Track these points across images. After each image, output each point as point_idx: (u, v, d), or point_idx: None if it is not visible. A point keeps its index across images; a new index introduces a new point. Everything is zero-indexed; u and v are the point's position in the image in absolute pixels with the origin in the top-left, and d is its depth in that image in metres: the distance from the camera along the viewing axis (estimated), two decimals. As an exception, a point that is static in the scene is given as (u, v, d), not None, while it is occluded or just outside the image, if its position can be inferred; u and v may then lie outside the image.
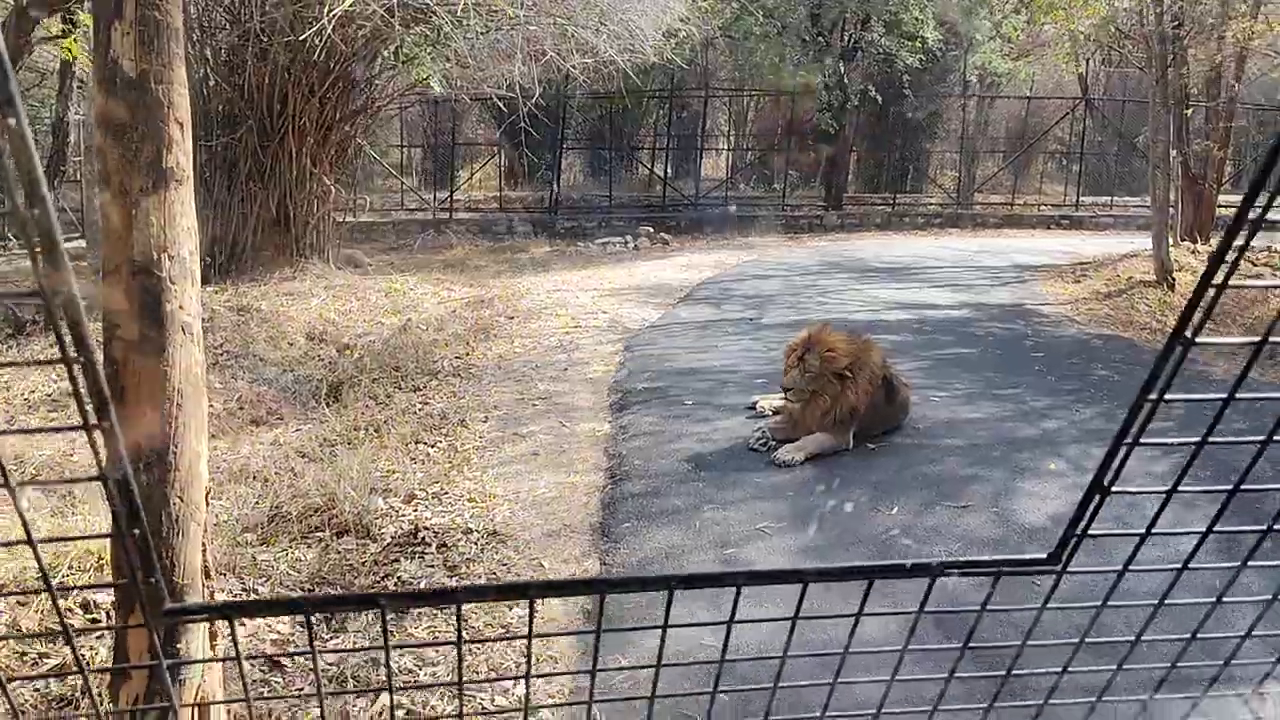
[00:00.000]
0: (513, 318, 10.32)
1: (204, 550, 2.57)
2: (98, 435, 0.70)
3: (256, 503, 5.27)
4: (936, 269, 14.55)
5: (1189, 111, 15.10)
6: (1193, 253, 14.16)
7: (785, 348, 6.24)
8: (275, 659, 3.59)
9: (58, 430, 0.80)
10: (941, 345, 9.18)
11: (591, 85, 16.36)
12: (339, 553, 4.52)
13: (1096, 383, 7.85)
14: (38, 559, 0.79)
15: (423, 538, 4.64)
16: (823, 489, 5.41)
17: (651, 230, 17.84)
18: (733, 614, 1.00)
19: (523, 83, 11.64)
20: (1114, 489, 0.89)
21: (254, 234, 11.76)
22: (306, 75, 11.34)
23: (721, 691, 1.10)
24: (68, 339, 0.65)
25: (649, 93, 20.59)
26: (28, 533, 0.77)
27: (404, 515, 4.97)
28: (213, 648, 2.69)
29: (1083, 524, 0.92)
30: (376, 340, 8.99)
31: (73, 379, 0.67)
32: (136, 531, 0.76)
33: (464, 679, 0.99)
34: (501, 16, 11.01)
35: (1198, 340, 0.79)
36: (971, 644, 1.09)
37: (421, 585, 4.21)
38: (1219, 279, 0.76)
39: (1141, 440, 0.85)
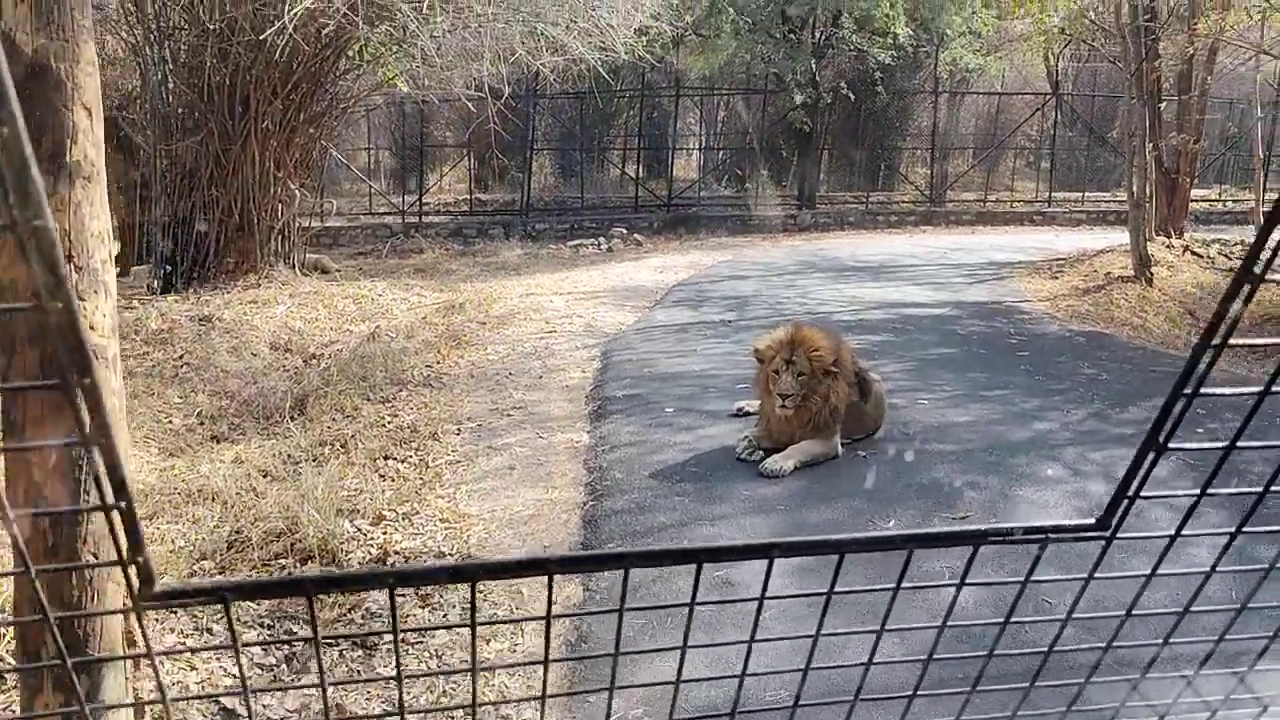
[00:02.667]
0: (485, 323, 10.03)
1: (126, 610, 2.27)
2: (77, 395, 0.65)
3: (215, 526, 4.99)
4: (913, 267, 14.38)
5: (1162, 105, 15.02)
6: (1168, 247, 14.05)
7: (756, 349, 5.90)
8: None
9: (34, 388, 0.80)
10: (925, 345, 8.98)
11: (562, 85, 16.10)
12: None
13: (1085, 382, 7.68)
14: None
15: (392, 564, 4.37)
16: (814, 501, 5.18)
17: (625, 232, 17.59)
18: (764, 590, 0.95)
19: (491, 82, 11.36)
20: (1170, 446, 0.84)
21: (217, 241, 11.40)
22: (268, 76, 10.99)
23: (750, 675, 1.05)
24: (42, 284, 0.61)
25: (620, 92, 20.34)
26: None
27: (372, 539, 4.70)
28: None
29: (1135, 485, 0.87)
30: (344, 349, 8.69)
31: (47, 331, 0.62)
32: (123, 504, 0.71)
33: (477, 665, 0.91)
34: (469, 14, 10.73)
35: (1231, 343, 0.76)
36: (1014, 619, 1.04)
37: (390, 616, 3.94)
38: (1219, 338, 0.76)
39: (1202, 391, 0.80)
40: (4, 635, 3.38)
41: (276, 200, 11.78)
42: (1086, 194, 21.98)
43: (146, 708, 2.74)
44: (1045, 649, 1.10)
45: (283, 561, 4.50)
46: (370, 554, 4.50)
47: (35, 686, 2.25)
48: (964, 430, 6.37)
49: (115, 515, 0.71)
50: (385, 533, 4.78)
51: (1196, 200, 17.16)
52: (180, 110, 11.28)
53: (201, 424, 6.81)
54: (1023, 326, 10.02)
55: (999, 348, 8.95)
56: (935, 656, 1.07)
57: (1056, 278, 13.26)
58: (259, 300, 10.18)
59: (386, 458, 5.93)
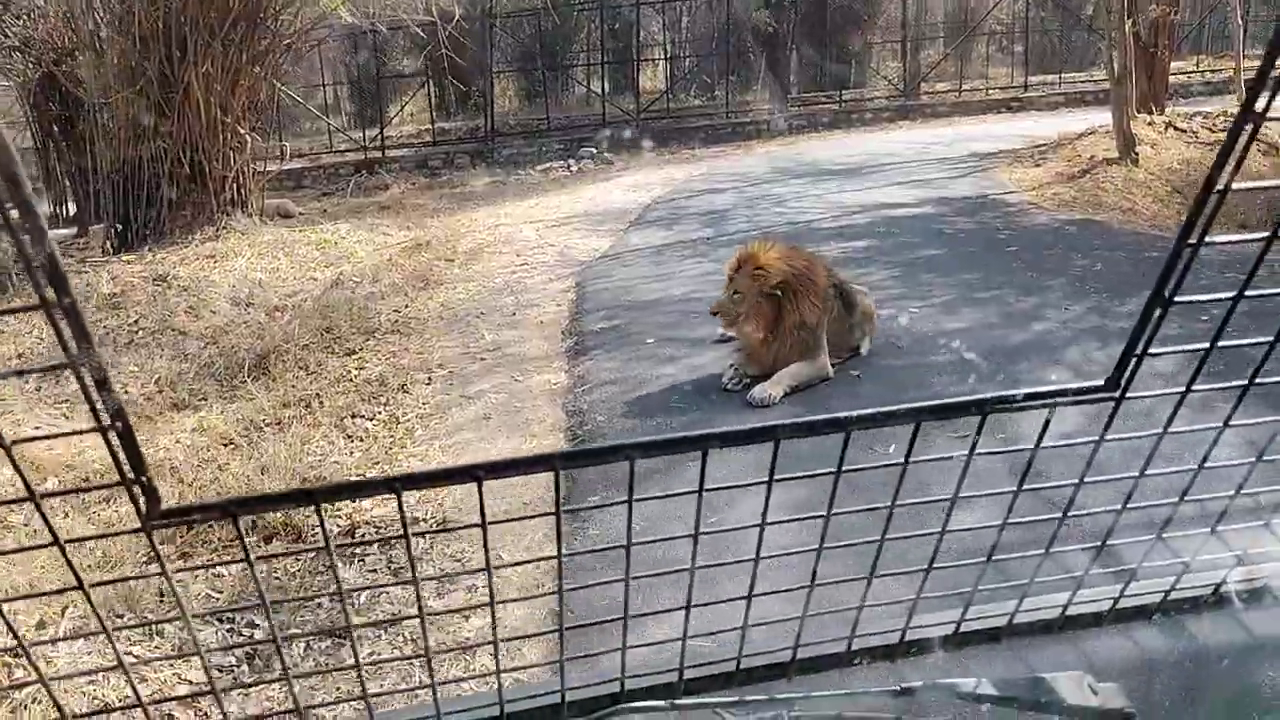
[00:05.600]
0: (453, 260, 9.64)
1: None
2: (58, 315, 0.62)
3: (176, 502, 4.68)
4: (892, 165, 13.93)
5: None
6: (1150, 125, 13.63)
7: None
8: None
9: (16, 311, 0.68)
10: (911, 249, 8.63)
11: (516, 3, 15.46)
12: (266, 560, 3.94)
13: (1079, 274, 7.37)
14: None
15: (362, 535, 4.07)
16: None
17: (594, 151, 17.07)
18: (771, 474, 0.95)
19: (440, 3, 10.81)
20: (1177, 300, 0.81)
21: (168, 195, 10.91)
22: (204, 17, 10.41)
23: (765, 558, 1.03)
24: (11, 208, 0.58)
25: (577, 4, 19.63)
26: None
27: (339, 508, 4.38)
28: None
29: (1143, 343, 0.85)
30: (308, 300, 8.30)
31: (23, 252, 0.59)
32: (120, 424, 0.68)
33: (491, 564, 0.92)
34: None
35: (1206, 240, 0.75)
36: (1027, 486, 1.02)
37: (362, 596, 3.65)
38: (1223, 183, 0.72)
39: (1207, 240, 0.76)
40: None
41: (227, 147, 11.27)
42: (1062, 75, 21.45)
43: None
44: (1059, 515, 1.08)
45: (248, 539, 4.20)
46: (339, 525, 4.20)
47: None
48: (959, 338, 6.06)
49: (113, 436, 0.69)
50: (354, 500, 4.47)
51: (1174, 74, 16.67)
52: (115, 60, 10.71)
53: (160, 391, 6.47)
54: (1010, 220, 9.67)
55: (988, 244, 8.61)
56: (948, 529, 1.06)
57: (1039, 165, 12.87)
58: (217, 254, 9.76)
59: (354, 416, 5.61)
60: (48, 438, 0.91)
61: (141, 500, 0.74)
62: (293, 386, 6.12)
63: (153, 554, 0.82)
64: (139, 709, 0.95)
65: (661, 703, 1.13)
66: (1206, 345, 0.89)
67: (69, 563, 0.79)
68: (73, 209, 12.94)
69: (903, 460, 0.98)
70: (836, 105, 19.95)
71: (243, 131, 11.45)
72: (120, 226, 10.79)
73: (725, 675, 1.16)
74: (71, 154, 11.55)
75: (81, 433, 0.71)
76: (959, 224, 9.58)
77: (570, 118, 19.75)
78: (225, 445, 5.31)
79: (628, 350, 6.30)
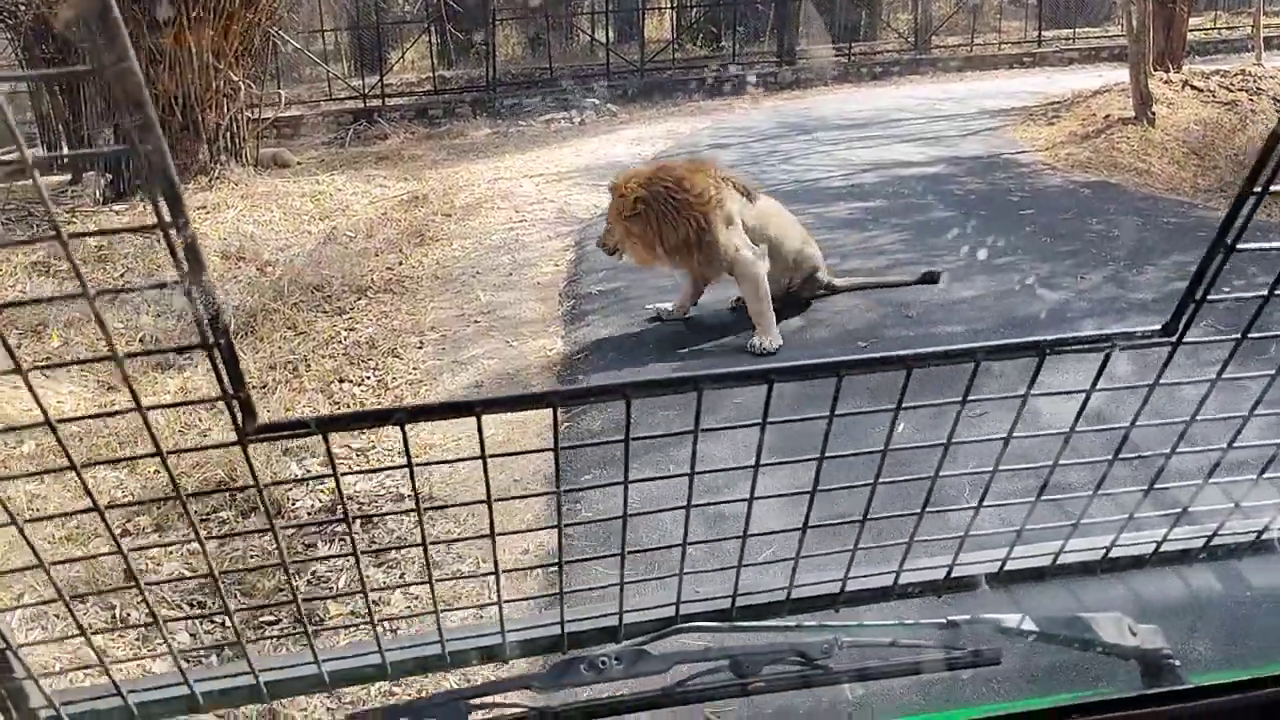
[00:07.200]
0: (450, 215, 9.38)
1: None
2: (173, 234, 0.65)
3: (155, 471, 4.52)
4: (902, 122, 13.61)
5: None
6: (1167, 83, 13.26)
7: None
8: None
9: (128, 230, 0.75)
10: (922, 210, 8.38)
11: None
12: (242, 538, 3.76)
13: (1095, 240, 7.13)
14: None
15: (342, 510, 3.89)
16: (820, 407, 4.67)
17: (597, 103, 16.70)
18: (765, 416, 0.98)
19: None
20: (1240, 247, 0.80)
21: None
22: (195, -43, 10.10)
23: (759, 498, 1.08)
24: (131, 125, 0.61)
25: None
26: (111, 346, 0.75)
27: (322, 482, 4.19)
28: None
29: (1202, 289, 0.84)
30: (299, 254, 8.07)
31: (145, 168, 0.62)
32: (222, 342, 0.73)
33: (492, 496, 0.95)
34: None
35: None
36: (1079, 428, 1.03)
37: (341, 579, 3.47)
38: None
39: (1272, 188, 0.75)
40: None
41: (220, 95, 10.99)
42: (1077, 31, 20.99)
43: None
44: (1110, 457, 1.08)
45: (222, 515, 4.02)
46: (320, 501, 4.01)
47: None
48: (971, 307, 5.84)
49: (216, 353, 0.73)
50: (351, 468, 4.28)
51: (1191, 30, 16.27)
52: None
53: (146, 351, 6.27)
54: (1023, 181, 9.40)
55: (1000, 207, 8.35)
56: (1000, 468, 1.06)
57: (1053, 124, 12.55)
58: (209, 205, 9.52)
59: (341, 380, 5.41)
60: (157, 352, 0.95)
61: (239, 415, 0.79)
62: (280, 347, 5.91)
63: (249, 467, 0.87)
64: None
65: (719, 624, 1.15)
66: (1264, 293, 0.88)
67: (170, 474, 0.85)
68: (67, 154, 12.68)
69: (960, 400, 1.00)
70: (846, 58, 19.52)
71: (236, 78, 11.15)
72: (111, 176, 10.53)
73: (775, 604, 1.17)
74: (64, 99, 11.26)
75: (189, 349, 0.75)
76: (970, 185, 9.32)
77: (574, 67, 19.33)
78: (208, 410, 5.12)
79: (626, 316, 6.09)
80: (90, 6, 0.57)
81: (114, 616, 3.34)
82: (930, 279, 6.06)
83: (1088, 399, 1.00)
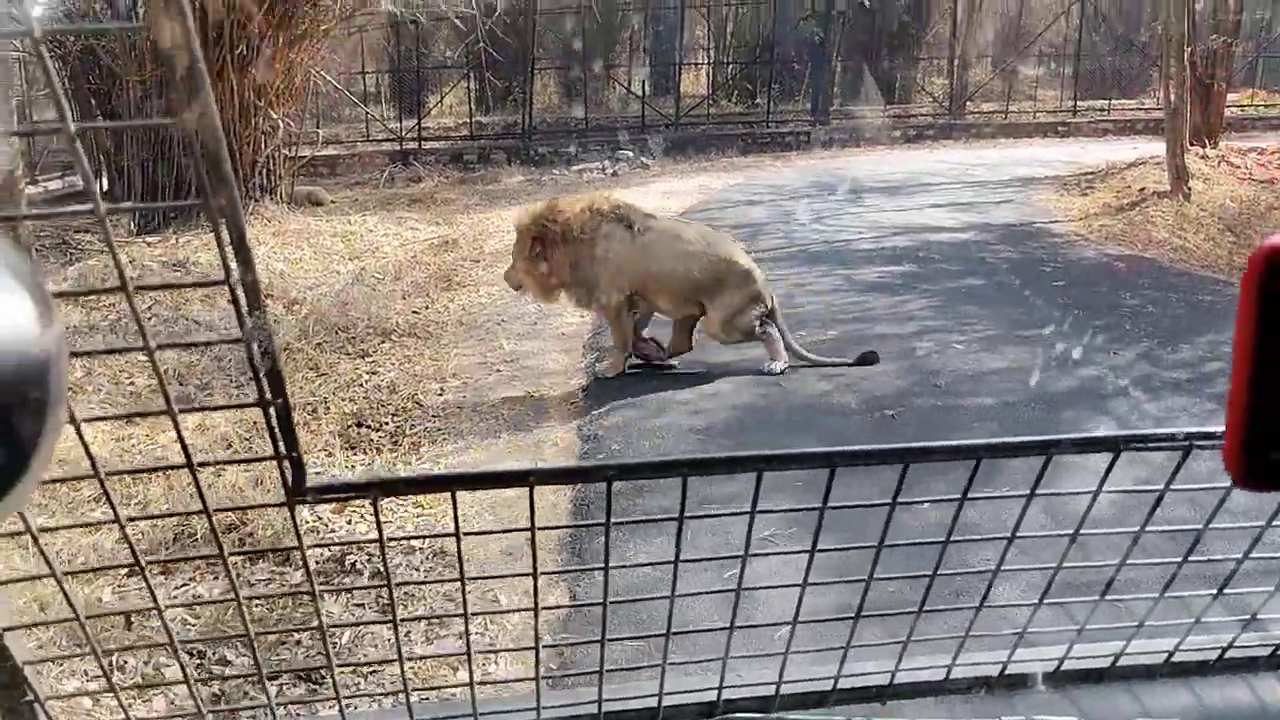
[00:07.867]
0: (479, 261, 9.39)
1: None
2: (238, 289, 0.66)
3: (168, 508, 4.47)
4: (934, 186, 13.58)
5: (1198, 3, 14.04)
6: (1203, 158, 13.21)
7: None
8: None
9: (197, 286, 0.82)
10: (952, 276, 8.32)
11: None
12: (250, 586, 3.70)
13: (1130, 315, 7.03)
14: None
15: (354, 564, 3.81)
16: (849, 478, 4.59)
17: (631, 154, 16.78)
18: (754, 505, 0.96)
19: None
20: None
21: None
22: (242, -1, 10.25)
23: (745, 589, 1.05)
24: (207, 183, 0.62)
25: (622, 3, 19.36)
26: (168, 401, 0.76)
27: (333, 529, 4.13)
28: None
29: None
30: (327, 294, 8.08)
31: (215, 225, 0.63)
32: (279, 401, 0.74)
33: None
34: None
35: None
36: (1150, 528, 1.01)
37: (344, 637, 3.39)
38: None
39: None
40: None
41: (259, 131, 11.10)
42: (1112, 102, 20.98)
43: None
44: (1179, 559, 1.07)
45: (233, 559, 3.96)
46: (329, 553, 3.93)
47: None
48: (1001, 379, 5.76)
49: (271, 412, 0.74)
50: (349, 522, 4.21)
51: (1228, 106, 16.22)
52: (149, 40, 10.56)
53: (168, 385, 6.26)
54: (1056, 252, 9.33)
55: (1032, 277, 8.28)
56: (1065, 564, 1.06)
57: (1086, 194, 12.50)
58: (240, 241, 9.56)
59: (359, 424, 5.36)
60: (216, 409, 1.17)
61: (289, 474, 0.79)
62: (300, 388, 5.88)
63: (294, 527, 0.88)
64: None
65: (763, 715, 1.12)
66: None
67: (214, 530, 0.86)
68: (106, 185, 12.84)
69: (1027, 493, 0.99)
70: (880, 120, 19.58)
71: (275, 116, 11.27)
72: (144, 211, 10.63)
73: (820, 694, 1.14)
74: (107, 131, 11.42)
75: (245, 406, 0.77)
76: (1002, 253, 9.25)
77: (609, 118, 19.47)
78: (226, 448, 5.08)
79: (651, 370, 6.03)
80: (178, 60, 0.58)
81: (110, 664, 3.27)
82: (868, 360, 5.97)
83: (1160, 497, 0.98)
